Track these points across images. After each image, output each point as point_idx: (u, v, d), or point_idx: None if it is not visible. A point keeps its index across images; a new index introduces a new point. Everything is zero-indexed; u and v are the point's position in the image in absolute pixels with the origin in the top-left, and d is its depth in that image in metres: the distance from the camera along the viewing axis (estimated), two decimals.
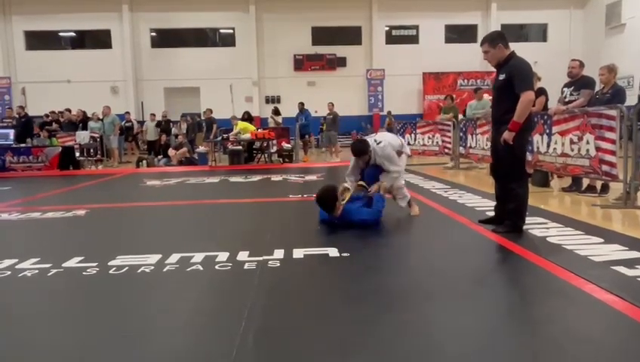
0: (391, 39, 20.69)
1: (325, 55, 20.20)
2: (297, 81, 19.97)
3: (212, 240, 3.84)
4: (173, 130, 14.71)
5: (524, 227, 3.84)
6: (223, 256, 3.19)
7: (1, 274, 2.96)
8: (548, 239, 3.51)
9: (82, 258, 3.24)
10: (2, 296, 2.70)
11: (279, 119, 14.42)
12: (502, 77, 3.68)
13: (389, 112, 19.03)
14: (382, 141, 4.46)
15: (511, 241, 3.47)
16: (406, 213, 4.58)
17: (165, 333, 2.12)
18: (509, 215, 3.77)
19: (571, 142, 5.66)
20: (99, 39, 20.00)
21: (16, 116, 13.33)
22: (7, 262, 3.18)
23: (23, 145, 11.63)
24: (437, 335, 2.03)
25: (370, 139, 4.53)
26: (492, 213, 4.10)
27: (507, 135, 3.57)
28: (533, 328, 2.06)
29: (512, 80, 3.58)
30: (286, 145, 12.17)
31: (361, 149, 4.43)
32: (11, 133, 11.66)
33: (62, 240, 4.22)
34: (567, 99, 6.07)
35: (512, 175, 3.73)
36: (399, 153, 4.56)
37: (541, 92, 6.24)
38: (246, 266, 3.00)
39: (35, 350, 2.01)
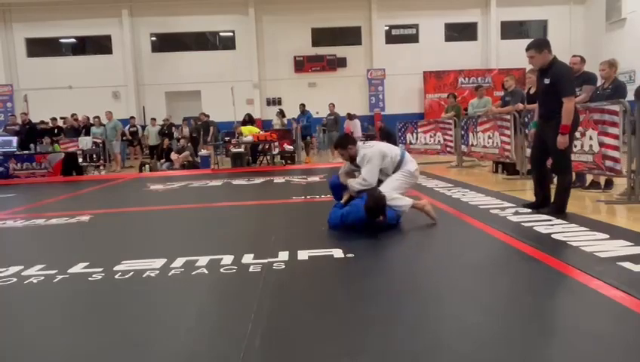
0: (391, 39, 20.67)
1: (325, 56, 20.20)
2: (298, 82, 19.97)
3: (216, 244, 3.85)
4: (175, 135, 14.74)
5: (529, 225, 3.89)
6: (227, 259, 3.19)
7: (8, 281, 2.97)
8: (553, 236, 3.50)
9: (87, 263, 3.25)
10: (9, 302, 2.71)
11: (285, 120, 14.42)
12: (547, 81, 4.15)
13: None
14: (373, 145, 4.26)
15: (516, 238, 3.47)
16: (409, 213, 4.56)
17: (171, 337, 2.13)
18: (556, 198, 4.31)
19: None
20: (100, 45, 20.06)
21: (20, 123, 13.39)
22: (13, 269, 3.19)
23: (26, 151, 11.67)
24: (444, 334, 2.02)
25: (361, 141, 4.33)
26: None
27: (561, 138, 4.07)
28: (540, 325, 2.05)
29: (557, 84, 4.07)
30: (288, 147, 12.19)
31: (339, 142, 4.25)
32: (14, 140, 11.71)
33: (67, 246, 4.23)
34: None
35: (559, 168, 4.31)
36: (397, 167, 4.16)
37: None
38: (251, 269, 3.00)
39: (42, 356, 2.01)
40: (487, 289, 2.61)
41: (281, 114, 14.64)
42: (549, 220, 4.01)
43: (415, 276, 2.88)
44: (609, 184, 5.69)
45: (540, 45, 4.15)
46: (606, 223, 3.90)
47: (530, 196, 4.96)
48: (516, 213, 4.36)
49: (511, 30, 20.18)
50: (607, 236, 3.40)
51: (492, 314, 2.26)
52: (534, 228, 3.77)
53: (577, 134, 5.56)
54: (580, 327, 2.05)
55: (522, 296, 2.46)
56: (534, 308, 2.27)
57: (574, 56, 6.18)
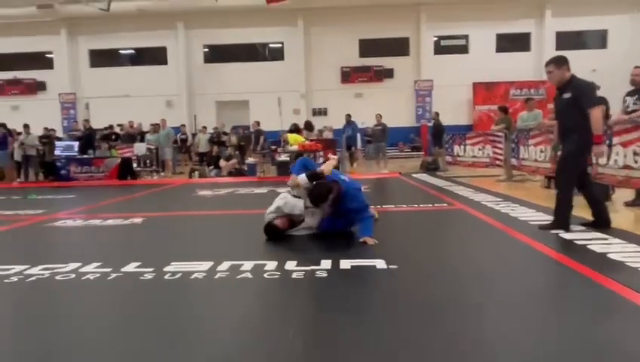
0: (440, 49, 20.43)
1: (372, 67, 20.23)
2: (344, 92, 20.08)
3: (261, 249, 3.92)
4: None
5: (582, 243, 3.72)
6: (271, 265, 3.25)
7: (67, 277, 3.17)
8: (609, 256, 3.32)
9: (139, 263, 3.40)
10: (67, 297, 2.89)
11: (305, 134, 13.76)
12: (567, 95, 4.15)
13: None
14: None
15: (567, 256, 3.32)
16: (452, 225, 4.47)
17: (215, 338, 2.19)
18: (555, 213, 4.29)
19: (634, 153, 5.36)
20: (156, 56, 21.06)
21: (82, 129, 14.20)
22: (72, 266, 3.40)
23: (85, 156, 12.37)
24: (490, 351, 1.97)
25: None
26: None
27: (596, 149, 4.08)
28: (593, 347, 1.96)
29: (580, 98, 4.06)
30: (332, 157, 12.21)
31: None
32: (76, 144, 12.44)
33: (121, 246, 4.45)
34: (629, 109, 5.76)
35: (556, 180, 4.44)
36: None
37: (600, 101, 5.95)
38: (294, 275, 3.04)
39: (93, 349, 2.13)
40: (535, 306, 2.51)
41: (305, 126, 14.12)
42: (606, 239, 3.81)
43: (459, 291, 2.81)
44: None
45: (560, 61, 4.20)
46: None
47: (583, 212, 4.74)
48: (569, 231, 4.17)
49: (567, 41, 19.41)
50: None
51: (540, 332, 2.17)
52: (588, 246, 3.60)
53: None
54: (637, 353, 1.93)
55: (574, 317, 2.35)
56: (587, 330, 2.16)
57: (637, 67, 5.86)
